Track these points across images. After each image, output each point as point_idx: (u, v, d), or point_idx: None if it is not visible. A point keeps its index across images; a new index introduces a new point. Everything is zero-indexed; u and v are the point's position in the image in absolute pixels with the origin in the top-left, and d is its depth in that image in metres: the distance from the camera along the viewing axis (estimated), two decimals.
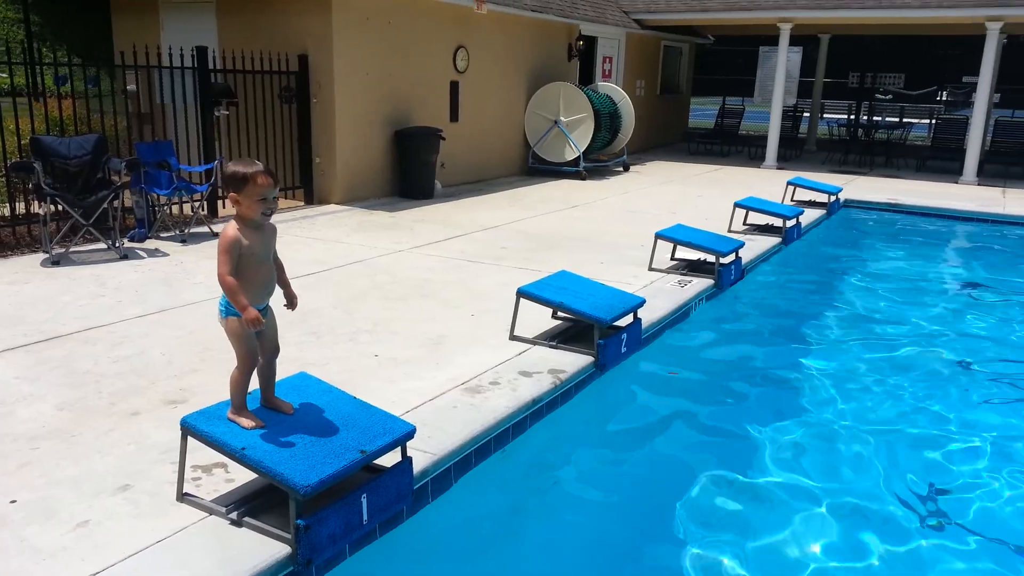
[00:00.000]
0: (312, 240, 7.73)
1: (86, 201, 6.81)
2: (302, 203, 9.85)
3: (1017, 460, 4.22)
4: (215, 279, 6.67)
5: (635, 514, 3.69)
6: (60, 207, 6.83)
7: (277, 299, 3.23)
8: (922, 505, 3.76)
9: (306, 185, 9.88)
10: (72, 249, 6.91)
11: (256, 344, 3.07)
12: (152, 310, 5.48)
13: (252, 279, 2.99)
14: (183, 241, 7.52)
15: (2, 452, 3.44)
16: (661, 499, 3.76)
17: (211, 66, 8.54)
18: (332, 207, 9.71)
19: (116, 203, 7.03)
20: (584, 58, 14.61)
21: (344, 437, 3.06)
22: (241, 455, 2.90)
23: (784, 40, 15.03)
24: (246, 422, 3.04)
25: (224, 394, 3.96)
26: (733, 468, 4.00)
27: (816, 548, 3.37)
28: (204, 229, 7.95)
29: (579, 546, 3.44)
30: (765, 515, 3.63)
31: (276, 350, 3.22)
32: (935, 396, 5.03)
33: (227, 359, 4.56)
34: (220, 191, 8.67)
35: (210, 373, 4.41)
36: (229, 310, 2.97)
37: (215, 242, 7.52)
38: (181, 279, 6.31)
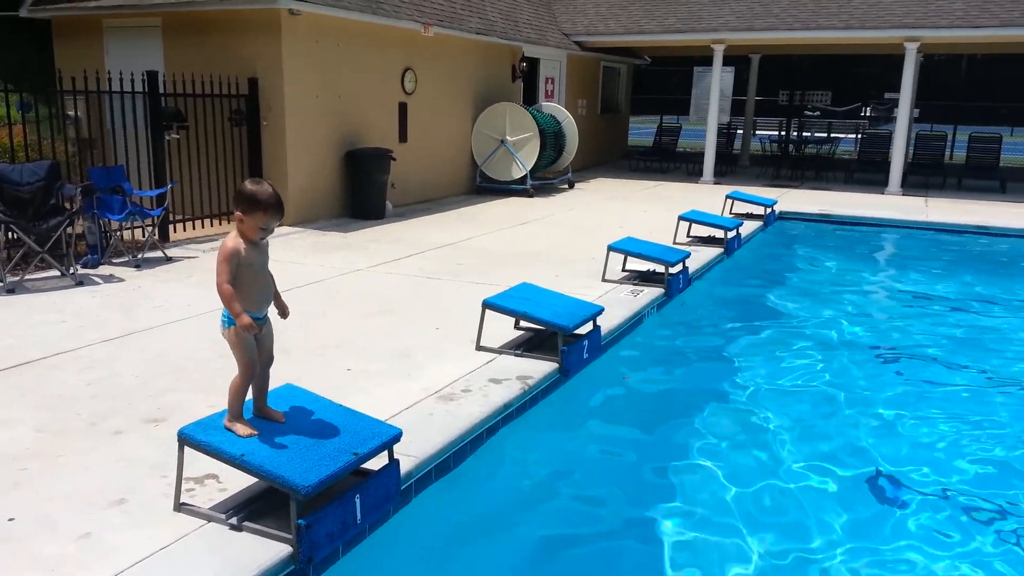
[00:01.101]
0: (269, 262, 7.79)
1: (40, 228, 6.77)
2: None
3: (929, 434, 4.62)
4: (174, 302, 6.74)
5: (601, 505, 3.94)
6: (14, 235, 6.77)
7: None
8: (850, 478, 4.11)
9: None
10: (26, 277, 6.85)
11: (256, 353, 3.20)
12: (116, 334, 5.51)
13: (251, 288, 3.14)
14: (137, 266, 7.51)
15: None
16: (626, 491, 4.03)
17: (161, 90, 8.57)
18: (284, 229, 9.76)
19: (69, 229, 7.01)
20: (527, 79, 15.00)
21: (337, 441, 3.22)
22: (241, 461, 3.03)
23: (718, 60, 15.69)
24: (242, 429, 3.17)
25: (203, 411, 4.10)
26: (679, 457, 4.36)
27: (761, 528, 3.67)
28: (158, 254, 7.94)
29: (552, 538, 3.66)
30: (708, 499, 3.92)
31: (271, 360, 3.36)
32: (864, 383, 5.46)
33: (200, 379, 4.69)
34: (172, 215, 8.67)
35: (186, 392, 4.49)
36: (231, 321, 3.09)
37: (170, 267, 7.64)
38: (140, 303, 6.33)
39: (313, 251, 8.49)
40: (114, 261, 7.66)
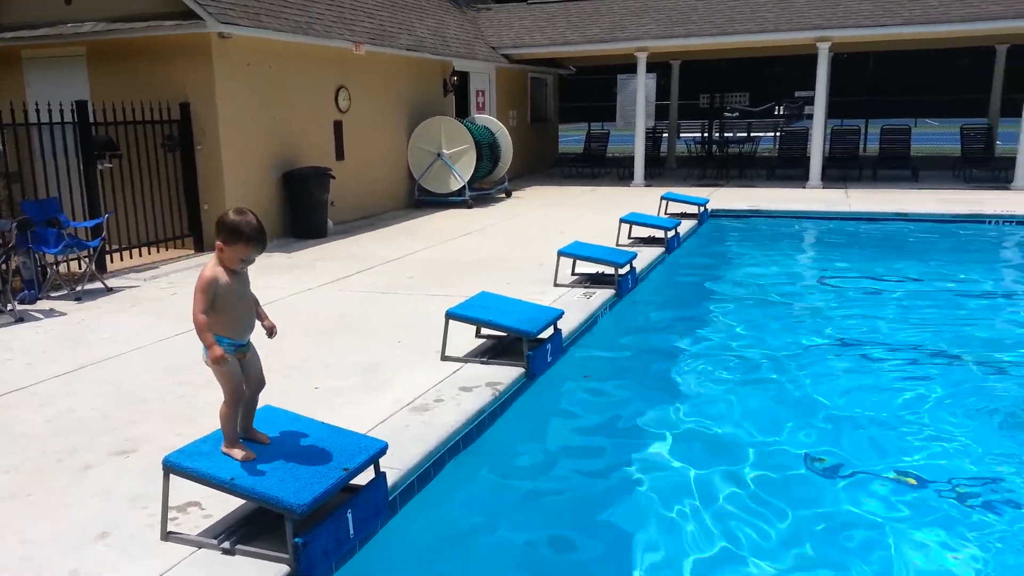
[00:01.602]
0: None
1: None
2: (192, 251, 9.69)
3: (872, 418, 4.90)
4: (122, 333, 6.59)
5: (578, 500, 4.06)
6: None
7: (258, 334, 3.33)
8: (795, 458, 4.33)
9: (195, 232, 9.73)
10: None
11: (242, 379, 3.19)
12: (67, 369, 5.36)
13: (232, 315, 3.12)
14: (78, 299, 7.29)
15: None
16: (599, 488, 4.16)
17: (91, 119, 8.35)
18: None
19: (4, 266, 6.77)
20: (459, 92, 15.11)
21: (325, 458, 3.24)
22: (232, 485, 3.02)
23: (642, 67, 16.10)
24: (239, 453, 3.16)
25: (172, 440, 4.06)
26: (643, 449, 4.53)
27: (722, 512, 3.84)
28: (98, 285, 7.72)
29: (534, 539, 3.75)
30: (672, 490, 4.08)
31: (261, 384, 3.35)
32: (807, 366, 5.76)
33: (162, 409, 4.62)
34: (108, 245, 8.44)
35: (150, 423, 4.41)
36: None
37: (112, 297, 7.46)
38: (87, 336, 6.16)
39: (259, 273, 8.33)
40: (52, 295, 7.43)
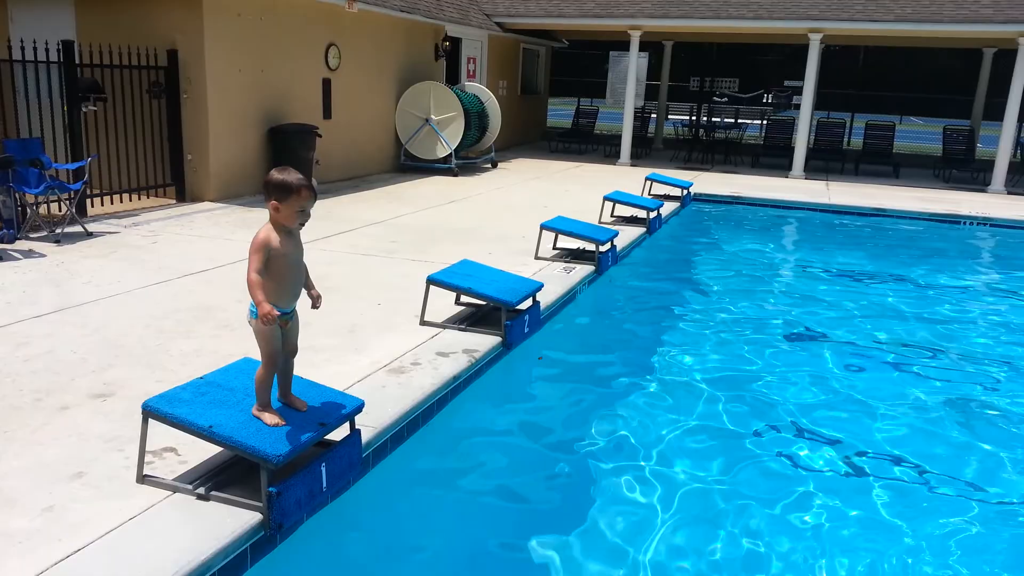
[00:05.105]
0: (196, 238, 7.66)
1: None
2: (174, 200, 9.63)
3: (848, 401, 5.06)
4: (102, 278, 6.60)
5: (544, 467, 4.18)
6: None
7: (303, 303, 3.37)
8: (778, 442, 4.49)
9: (177, 182, 9.66)
10: None
11: (280, 345, 3.22)
12: (47, 310, 5.36)
13: (283, 281, 3.15)
14: (57, 241, 7.25)
15: None
16: (565, 455, 4.28)
17: (77, 60, 8.22)
18: (207, 205, 9.56)
19: None
20: (450, 58, 15.01)
21: (303, 412, 3.31)
22: (210, 432, 3.09)
23: (634, 46, 16.09)
24: (270, 418, 3.20)
25: (151, 386, 4.12)
26: (610, 420, 4.65)
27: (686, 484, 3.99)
28: (77, 229, 7.67)
29: (499, 499, 3.87)
30: (630, 460, 4.22)
31: (295, 350, 3.38)
32: (781, 353, 5.89)
33: (142, 355, 4.66)
34: (89, 190, 8.37)
35: (128, 368, 4.45)
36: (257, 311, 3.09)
37: (92, 242, 7.44)
38: (67, 279, 6.15)
39: (241, 227, 8.36)
40: (31, 236, 7.37)
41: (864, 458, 4.38)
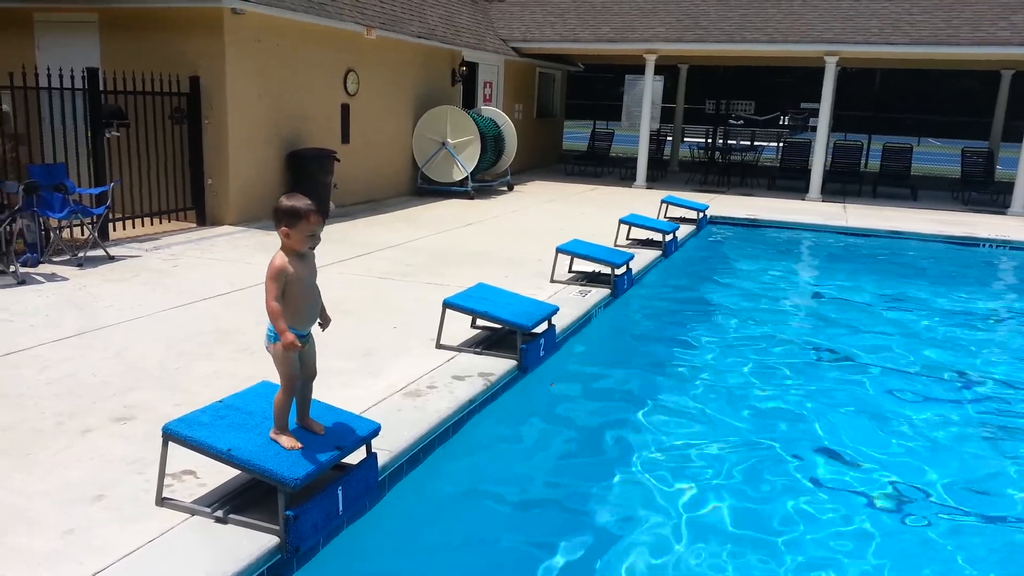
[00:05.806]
0: (215, 261, 7.76)
1: None
2: (194, 224, 9.76)
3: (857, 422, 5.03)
4: (124, 301, 6.68)
5: (560, 491, 4.16)
6: None
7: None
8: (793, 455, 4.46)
9: (198, 206, 9.80)
10: None
11: (298, 369, 3.27)
12: (69, 334, 5.44)
13: (299, 305, 3.20)
14: (79, 265, 7.37)
15: None
16: (581, 479, 4.28)
17: (101, 87, 8.40)
18: (227, 228, 9.68)
19: (8, 228, 6.84)
20: (467, 83, 15.17)
21: (320, 435, 3.34)
22: (228, 456, 3.12)
23: (650, 69, 16.18)
24: (287, 441, 3.24)
25: (170, 409, 4.16)
26: (626, 445, 4.64)
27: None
28: (100, 253, 7.79)
29: (515, 523, 3.86)
30: (650, 485, 4.20)
31: (314, 374, 3.42)
32: (796, 374, 5.86)
33: (162, 378, 4.72)
34: (112, 214, 8.50)
35: (149, 391, 4.50)
36: (276, 336, 3.14)
37: (114, 266, 7.54)
38: (90, 303, 6.24)
39: (260, 250, 8.45)
40: (54, 260, 7.50)
41: (893, 483, 4.34)
